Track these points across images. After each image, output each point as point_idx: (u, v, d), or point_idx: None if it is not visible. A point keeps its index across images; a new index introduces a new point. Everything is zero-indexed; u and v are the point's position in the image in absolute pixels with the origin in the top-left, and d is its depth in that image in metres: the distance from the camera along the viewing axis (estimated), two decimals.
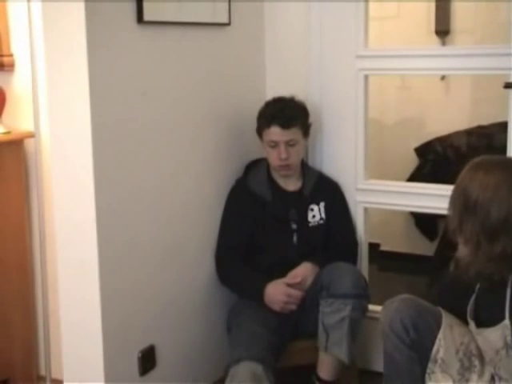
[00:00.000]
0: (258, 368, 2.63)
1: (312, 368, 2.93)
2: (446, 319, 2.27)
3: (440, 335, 2.24)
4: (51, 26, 2.51)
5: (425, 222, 4.63)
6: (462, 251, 2.14)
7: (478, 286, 2.21)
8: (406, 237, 4.87)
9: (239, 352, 2.70)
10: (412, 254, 4.82)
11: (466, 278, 2.17)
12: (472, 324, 2.19)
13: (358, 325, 2.86)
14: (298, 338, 2.98)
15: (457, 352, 2.21)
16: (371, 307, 2.98)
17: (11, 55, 3.17)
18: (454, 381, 2.20)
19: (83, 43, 2.44)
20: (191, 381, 3.05)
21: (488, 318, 2.13)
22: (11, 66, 3.17)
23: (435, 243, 4.62)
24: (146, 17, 2.62)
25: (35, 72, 2.93)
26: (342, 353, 2.80)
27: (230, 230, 3.09)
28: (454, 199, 2.19)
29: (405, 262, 4.80)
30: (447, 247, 4.65)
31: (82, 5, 2.40)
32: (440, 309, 2.35)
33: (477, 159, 2.21)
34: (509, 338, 2.06)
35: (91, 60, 2.46)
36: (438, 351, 2.23)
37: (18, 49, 3.16)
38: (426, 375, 2.26)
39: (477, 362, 2.20)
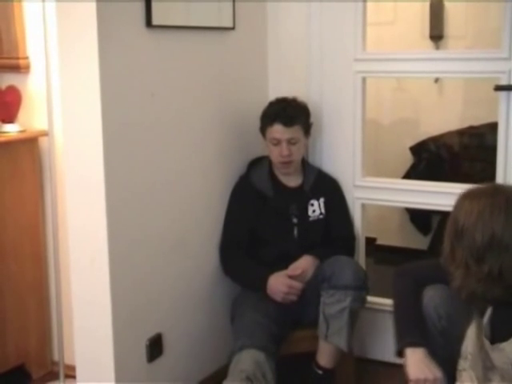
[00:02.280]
0: (260, 356, 2.63)
1: (312, 356, 2.93)
2: (476, 321, 2.24)
3: (469, 332, 2.22)
4: (65, 30, 2.52)
5: (419, 218, 4.63)
6: (455, 277, 2.13)
7: (489, 308, 2.19)
8: (401, 231, 4.87)
9: (242, 340, 2.70)
10: (407, 247, 4.81)
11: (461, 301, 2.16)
12: (487, 342, 2.16)
13: (357, 315, 2.86)
14: (298, 328, 2.98)
15: (480, 350, 2.18)
16: (369, 298, 2.98)
17: (27, 58, 3.17)
18: (478, 380, 2.16)
19: (95, 46, 2.44)
20: (196, 367, 3.06)
21: (501, 334, 2.11)
22: (27, 68, 3.17)
23: (429, 238, 4.63)
24: (155, 21, 2.63)
25: (49, 74, 2.92)
26: (341, 342, 2.80)
27: (233, 224, 3.09)
28: (447, 229, 2.20)
29: (400, 256, 4.76)
30: (440, 242, 4.68)
31: (93, 10, 2.40)
32: (474, 309, 2.31)
33: (465, 190, 2.23)
34: None
35: (102, 62, 2.46)
36: (467, 346, 2.21)
37: (33, 52, 3.16)
38: (457, 372, 2.23)
39: (491, 375, 2.17)
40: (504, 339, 2.09)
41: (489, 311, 2.20)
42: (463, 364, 2.22)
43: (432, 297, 2.35)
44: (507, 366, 2.09)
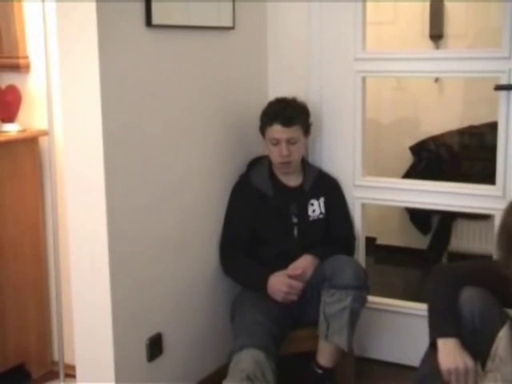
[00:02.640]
0: (260, 355, 2.61)
1: (312, 355, 2.91)
2: (510, 325, 2.21)
3: (501, 334, 2.19)
4: (64, 29, 2.51)
5: (419, 217, 4.62)
6: None
7: None
8: (400, 231, 4.87)
9: (242, 340, 2.69)
10: (407, 247, 4.81)
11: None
12: None
13: (357, 315, 2.85)
14: (298, 327, 2.96)
15: None
16: (369, 298, 2.96)
17: (27, 57, 3.16)
18: (506, 380, 2.13)
19: (95, 46, 2.44)
20: (196, 367, 3.05)
21: None
22: (27, 67, 3.16)
23: (429, 237, 4.62)
24: (155, 20, 2.62)
25: (49, 73, 2.91)
26: (342, 341, 2.79)
27: (233, 223, 3.09)
28: (500, 239, 2.12)
29: (400, 255, 4.80)
30: (440, 241, 4.68)
31: (93, 9, 2.40)
32: (508, 313, 2.31)
33: None
34: None
35: (102, 62, 2.46)
36: (497, 348, 2.18)
37: (33, 51, 3.15)
38: (484, 373, 2.20)
39: None
40: None
41: None
42: (490, 365, 2.20)
43: (470, 296, 2.31)
44: None
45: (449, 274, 2.42)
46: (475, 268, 2.44)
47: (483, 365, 2.24)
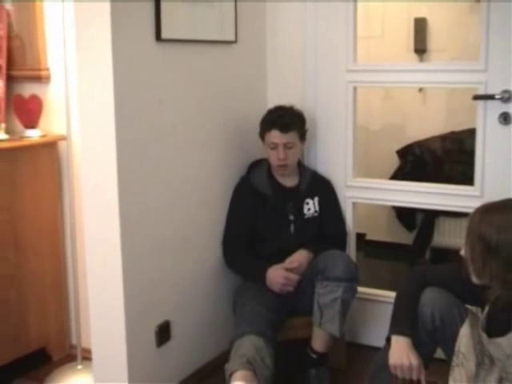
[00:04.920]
0: (259, 341, 2.60)
1: (307, 341, 2.90)
2: (470, 319, 2.21)
3: (462, 331, 2.19)
4: (82, 44, 2.52)
5: (405, 215, 4.61)
6: (493, 289, 2.04)
7: (489, 303, 2.14)
8: (388, 228, 4.85)
9: (243, 327, 2.68)
10: (393, 242, 4.80)
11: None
12: (484, 335, 2.12)
13: (348, 304, 2.83)
14: (294, 316, 2.95)
15: (474, 348, 2.15)
16: (359, 289, 2.94)
17: (47, 69, 3.15)
18: (469, 375, 2.14)
19: (109, 58, 2.44)
20: (201, 352, 3.04)
21: (498, 329, 2.07)
22: (47, 78, 3.16)
23: (413, 233, 4.61)
24: (164, 35, 2.61)
25: (68, 83, 2.91)
26: (334, 328, 2.78)
27: (235, 221, 3.07)
28: (472, 247, 2.06)
29: (387, 250, 4.79)
30: (423, 237, 4.68)
31: (108, 26, 2.41)
32: (468, 308, 2.31)
33: (484, 205, 2.11)
34: None
35: (116, 73, 2.45)
36: (459, 345, 2.18)
37: (54, 63, 3.14)
38: (451, 367, 2.21)
39: (487, 361, 2.14)
40: (501, 335, 2.05)
41: (486, 308, 2.15)
42: (456, 360, 2.19)
43: (431, 298, 2.30)
44: (503, 357, 2.06)
45: (416, 276, 2.41)
46: (443, 271, 2.42)
47: (450, 361, 2.24)
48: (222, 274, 3.11)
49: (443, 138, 4.51)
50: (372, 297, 3.31)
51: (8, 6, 3.13)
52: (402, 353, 2.23)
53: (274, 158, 2.98)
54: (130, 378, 2.64)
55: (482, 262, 2.03)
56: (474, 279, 2.10)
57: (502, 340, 2.05)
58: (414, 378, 2.21)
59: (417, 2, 4.64)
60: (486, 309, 2.16)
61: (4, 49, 3.10)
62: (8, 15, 3.12)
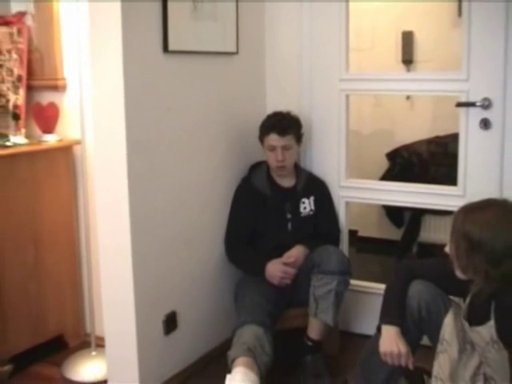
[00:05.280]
0: (259, 330, 2.59)
1: (303, 330, 2.88)
2: (453, 309, 2.22)
3: (446, 320, 2.20)
4: (96, 55, 2.52)
5: (393, 213, 4.58)
6: (477, 282, 2.04)
7: (469, 294, 2.14)
8: (378, 225, 4.83)
9: (244, 317, 2.67)
10: (383, 238, 4.78)
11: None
12: (466, 324, 2.14)
13: (341, 296, 2.82)
14: (292, 306, 2.94)
15: (457, 336, 2.16)
16: (352, 282, 2.93)
17: (64, 79, 3.14)
18: (452, 360, 2.16)
19: (120, 69, 2.44)
20: (205, 340, 3.03)
21: (478, 318, 2.08)
22: (64, 87, 3.15)
23: (402, 230, 4.59)
24: (171, 47, 2.61)
25: (82, 92, 2.89)
26: (328, 318, 2.77)
27: (236, 219, 3.05)
28: (457, 244, 2.06)
29: (378, 245, 4.77)
30: (411, 233, 4.66)
31: (119, 39, 2.41)
32: (452, 299, 2.31)
33: (467, 205, 2.10)
34: (494, 335, 2.01)
35: (127, 82, 2.46)
36: (443, 333, 2.19)
37: (69, 74, 3.12)
38: (436, 354, 2.22)
39: (468, 347, 2.15)
40: (480, 324, 2.06)
41: (468, 299, 2.16)
42: (440, 347, 2.20)
43: (417, 290, 2.30)
44: (483, 343, 2.07)
45: (404, 270, 2.40)
46: (429, 265, 2.41)
47: (435, 348, 2.24)
48: (225, 268, 3.09)
49: (429, 141, 4.50)
50: (363, 289, 3.30)
51: (29, 22, 3.14)
52: (391, 341, 2.22)
53: (273, 160, 2.97)
54: (140, 364, 2.64)
55: (467, 259, 2.03)
56: (459, 274, 2.10)
57: (481, 328, 2.06)
58: (403, 363, 2.21)
59: (404, 16, 4.63)
60: (468, 300, 2.16)
61: (25, 61, 3.11)
62: (29, 31, 3.13)
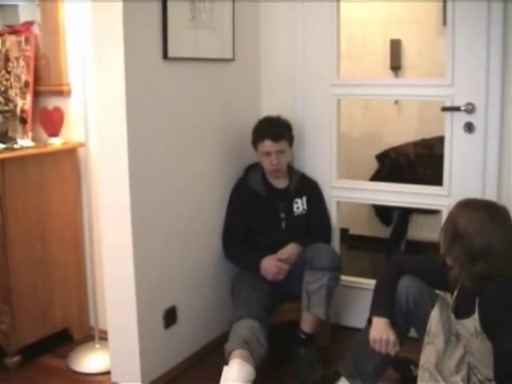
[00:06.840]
0: (254, 324, 2.58)
1: (296, 323, 2.88)
2: (440, 303, 2.25)
3: (432, 314, 2.23)
4: (99, 62, 2.52)
5: (382, 212, 4.57)
6: (453, 268, 2.07)
7: (457, 289, 2.17)
8: (368, 223, 4.83)
9: (240, 311, 2.66)
10: (373, 236, 4.77)
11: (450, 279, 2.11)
12: (452, 316, 2.16)
13: (333, 291, 2.81)
14: (285, 301, 2.93)
15: (443, 328, 2.20)
16: (342, 277, 2.92)
17: (69, 84, 3.12)
18: (439, 351, 2.19)
19: (122, 75, 2.44)
20: (203, 333, 3.02)
21: (464, 312, 2.10)
22: (69, 92, 3.13)
23: (390, 228, 4.58)
24: (170, 54, 2.60)
25: (86, 97, 2.88)
26: (320, 312, 2.76)
27: (233, 218, 3.05)
28: (446, 229, 2.11)
29: (368, 243, 4.76)
30: (399, 231, 4.66)
31: (121, 46, 2.41)
32: (438, 293, 2.33)
33: (466, 199, 2.14)
34: (478, 327, 2.03)
35: (128, 87, 2.45)
36: (430, 326, 2.22)
37: (74, 79, 3.11)
38: (423, 345, 2.26)
39: (453, 339, 2.19)
40: (465, 316, 2.08)
41: (455, 293, 2.18)
42: (427, 339, 2.24)
43: (405, 285, 2.33)
44: (468, 335, 2.09)
45: (393, 266, 2.42)
46: (417, 262, 2.43)
47: (422, 339, 2.28)
48: (222, 264, 3.08)
49: (416, 144, 4.49)
50: (354, 284, 3.29)
51: (36, 31, 3.12)
52: (381, 329, 2.26)
53: (268, 164, 2.95)
54: (142, 356, 2.63)
55: (449, 243, 2.08)
56: (444, 257, 2.13)
57: (466, 321, 2.07)
58: (390, 351, 2.25)
59: (392, 25, 4.63)
60: (455, 294, 2.18)
61: (32, 68, 3.09)
62: (36, 38, 3.12)
